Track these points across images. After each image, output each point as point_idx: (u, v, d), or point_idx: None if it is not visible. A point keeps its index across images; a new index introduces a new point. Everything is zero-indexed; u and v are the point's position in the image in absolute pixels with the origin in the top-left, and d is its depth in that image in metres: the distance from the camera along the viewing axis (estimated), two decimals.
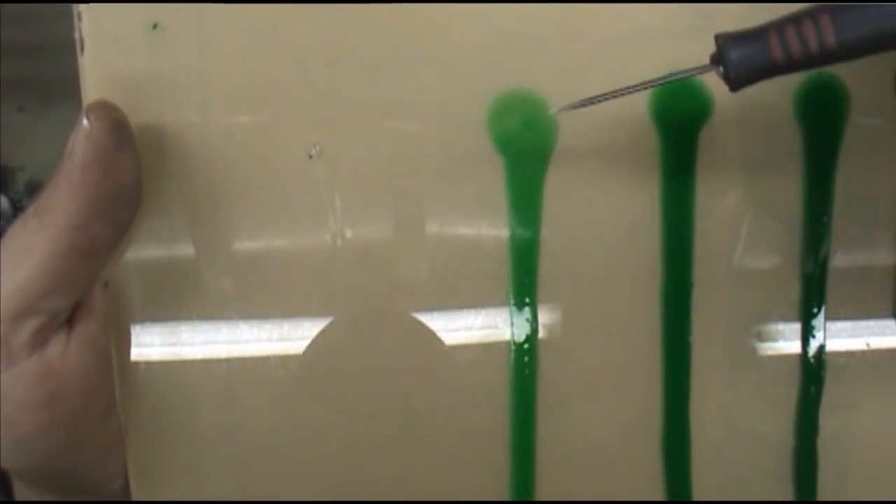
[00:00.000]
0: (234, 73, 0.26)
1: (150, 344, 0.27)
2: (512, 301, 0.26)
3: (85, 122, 0.27)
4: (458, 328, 0.27)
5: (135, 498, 0.28)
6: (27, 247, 0.23)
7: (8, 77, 0.67)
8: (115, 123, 0.25)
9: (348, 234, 0.26)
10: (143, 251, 0.27)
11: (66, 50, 0.70)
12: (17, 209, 0.63)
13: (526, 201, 0.25)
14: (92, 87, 0.31)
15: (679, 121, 0.25)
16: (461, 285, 0.27)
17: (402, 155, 0.26)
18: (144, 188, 0.26)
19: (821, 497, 0.29)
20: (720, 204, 0.26)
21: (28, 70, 0.68)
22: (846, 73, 0.26)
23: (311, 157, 0.26)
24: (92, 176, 0.25)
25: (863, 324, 0.28)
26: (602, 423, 0.28)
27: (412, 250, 0.26)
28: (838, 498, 0.29)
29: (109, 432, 0.27)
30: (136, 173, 0.25)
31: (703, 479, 0.29)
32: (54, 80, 0.67)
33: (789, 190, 0.26)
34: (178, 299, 0.27)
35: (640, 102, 0.25)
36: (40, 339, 0.24)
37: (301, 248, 0.27)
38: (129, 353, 0.27)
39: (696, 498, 0.29)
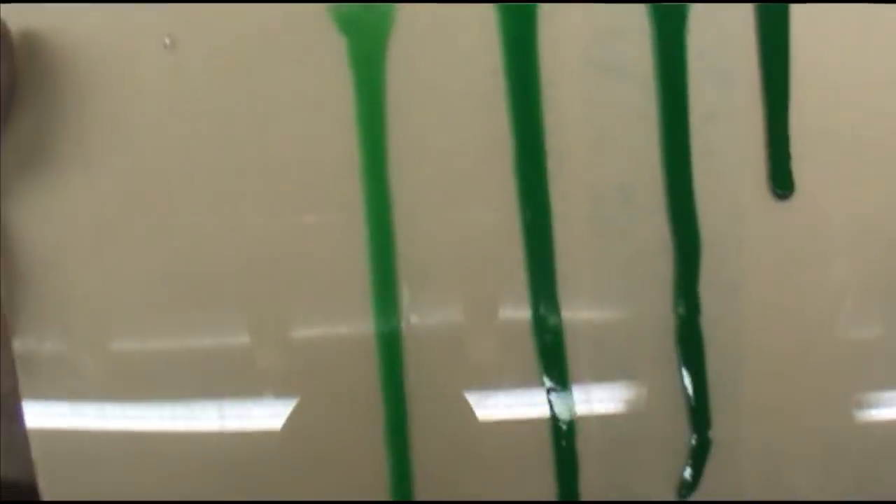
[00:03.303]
0: None
1: None
2: (363, 178, 0.27)
3: None
4: (311, 206, 0.27)
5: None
6: None
7: None
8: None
9: (199, 115, 0.27)
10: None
11: None
12: None
13: (369, 79, 0.26)
14: None
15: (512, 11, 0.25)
16: (310, 169, 0.27)
17: (249, 42, 0.27)
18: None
19: (712, 376, 0.27)
20: (567, 73, 0.26)
21: None
22: None
23: (165, 47, 0.27)
24: None
25: (757, 151, 0.27)
26: (464, 303, 0.27)
27: (264, 127, 0.27)
28: (731, 380, 0.28)
29: None
30: (12, 78, 0.26)
31: (581, 365, 0.27)
32: None
33: (639, 51, 0.26)
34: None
35: None
36: None
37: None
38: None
39: (575, 379, 0.27)
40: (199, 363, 0.29)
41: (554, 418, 0.27)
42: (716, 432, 0.28)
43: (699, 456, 0.27)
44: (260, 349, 0.28)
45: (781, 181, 0.26)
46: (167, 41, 0.27)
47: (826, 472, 0.28)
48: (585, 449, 0.28)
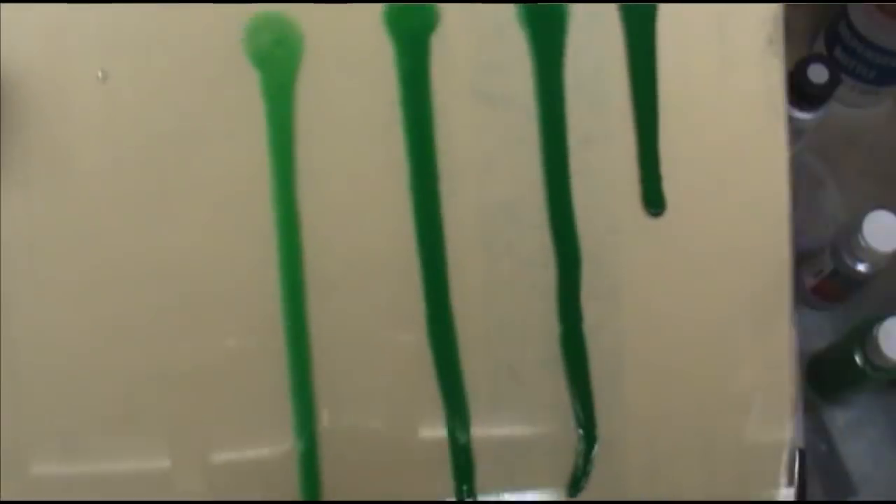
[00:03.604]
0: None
1: None
2: (275, 198, 0.28)
3: None
4: (224, 223, 0.29)
5: None
6: None
7: None
8: None
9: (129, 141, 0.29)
10: None
11: None
12: None
13: (280, 109, 0.28)
14: None
15: (409, 31, 0.28)
16: (224, 188, 0.29)
17: (173, 75, 0.29)
18: None
19: (595, 380, 0.29)
20: (456, 102, 0.28)
21: None
22: None
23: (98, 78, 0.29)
24: None
25: (631, 173, 0.29)
26: (368, 311, 0.29)
27: (186, 152, 0.29)
28: (614, 383, 0.29)
29: None
30: None
31: (474, 368, 0.29)
32: None
33: (521, 81, 0.28)
34: None
35: (376, 15, 0.28)
36: None
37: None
38: None
39: (469, 387, 0.29)
40: (119, 487, 0.30)
41: (450, 419, 0.30)
42: (601, 432, 0.30)
43: (586, 455, 0.29)
44: (179, 471, 0.30)
45: (653, 200, 0.29)
46: (100, 74, 0.29)
47: (705, 470, 0.30)
48: (479, 450, 0.30)
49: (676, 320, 0.29)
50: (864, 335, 0.54)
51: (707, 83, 0.29)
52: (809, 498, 0.59)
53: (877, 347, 0.53)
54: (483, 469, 0.30)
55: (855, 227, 0.55)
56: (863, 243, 0.55)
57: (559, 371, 0.29)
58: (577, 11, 0.28)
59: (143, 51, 0.29)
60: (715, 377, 0.29)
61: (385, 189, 0.29)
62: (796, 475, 0.59)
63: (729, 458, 0.30)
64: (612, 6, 0.28)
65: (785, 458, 0.30)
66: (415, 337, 0.29)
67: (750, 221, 0.29)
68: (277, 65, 0.28)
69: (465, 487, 0.29)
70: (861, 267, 0.56)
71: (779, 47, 0.32)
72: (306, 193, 0.29)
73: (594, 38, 0.28)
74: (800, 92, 0.59)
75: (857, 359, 0.55)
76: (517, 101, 0.28)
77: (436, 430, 0.29)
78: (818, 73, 0.58)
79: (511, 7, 0.28)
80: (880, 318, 0.53)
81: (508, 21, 0.28)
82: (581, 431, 0.29)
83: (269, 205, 0.29)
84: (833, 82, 0.58)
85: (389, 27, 0.28)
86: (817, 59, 0.59)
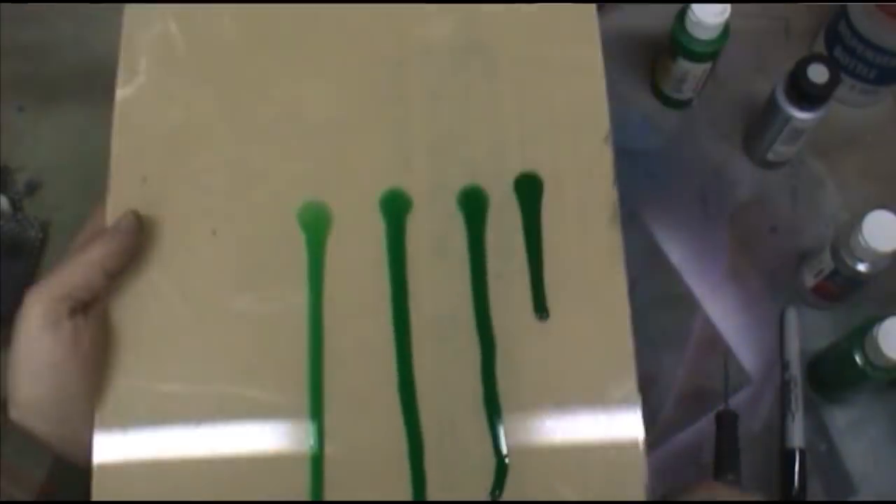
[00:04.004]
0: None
1: None
2: (307, 313, 0.45)
3: (127, 218, 0.44)
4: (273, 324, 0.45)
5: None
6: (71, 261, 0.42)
7: (8, 77, 0.67)
8: (137, 223, 0.44)
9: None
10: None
11: (66, 50, 0.71)
12: (16, 209, 0.63)
13: (315, 258, 0.46)
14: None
15: (391, 215, 0.46)
16: (279, 310, 0.45)
17: (257, 232, 0.46)
18: None
19: (510, 435, 0.43)
20: (422, 255, 0.45)
21: (28, 70, 0.68)
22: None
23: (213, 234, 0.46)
24: (119, 243, 0.43)
25: (526, 294, 0.44)
26: (363, 378, 0.44)
27: (262, 286, 0.45)
28: (522, 432, 0.43)
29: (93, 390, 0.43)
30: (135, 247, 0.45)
31: (426, 418, 0.44)
32: (54, 80, 0.67)
33: (460, 234, 0.45)
34: None
35: (372, 203, 0.46)
36: (72, 313, 0.41)
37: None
38: None
39: (427, 437, 0.44)
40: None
41: (411, 445, 0.44)
42: (511, 458, 0.43)
43: (500, 477, 0.43)
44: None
45: (540, 309, 0.44)
46: (214, 230, 0.45)
47: (583, 486, 0.43)
48: (429, 466, 0.44)
49: (557, 385, 0.44)
50: (864, 335, 0.54)
51: (581, 226, 0.46)
52: (809, 498, 0.60)
53: (877, 347, 0.53)
54: (432, 480, 0.44)
55: (855, 227, 0.55)
56: (863, 243, 0.55)
57: (485, 424, 0.44)
58: (493, 196, 0.46)
59: (245, 216, 0.46)
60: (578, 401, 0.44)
61: (375, 310, 0.45)
62: (796, 475, 0.59)
63: (601, 475, 0.43)
64: (514, 202, 0.46)
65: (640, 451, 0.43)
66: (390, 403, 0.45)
67: (613, 323, 0.45)
68: (314, 231, 0.46)
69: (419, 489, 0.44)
70: (861, 267, 0.57)
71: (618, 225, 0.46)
72: (329, 313, 0.45)
73: (502, 211, 0.46)
74: (800, 92, 0.59)
75: (857, 359, 0.55)
76: (458, 253, 0.45)
77: (400, 460, 0.44)
78: (818, 73, 0.58)
79: (453, 198, 0.46)
80: (880, 318, 0.53)
81: (453, 209, 0.46)
82: (496, 461, 0.43)
83: (304, 316, 0.45)
84: (833, 82, 0.58)
85: (381, 208, 0.46)
86: (817, 59, 0.59)
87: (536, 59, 0.48)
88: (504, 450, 0.43)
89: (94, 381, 0.42)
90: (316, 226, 0.46)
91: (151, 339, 0.44)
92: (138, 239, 0.44)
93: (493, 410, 0.44)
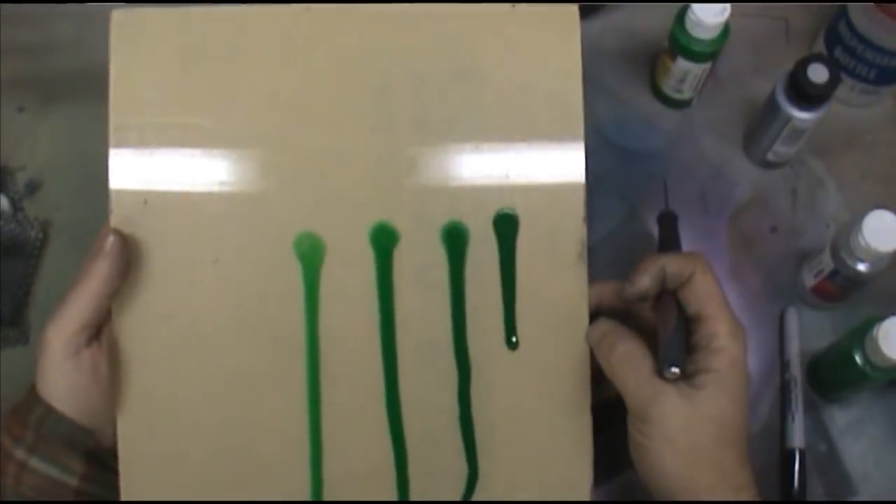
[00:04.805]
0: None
1: None
2: (304, 336, 0.49)
3: (110, 241, 0.46)
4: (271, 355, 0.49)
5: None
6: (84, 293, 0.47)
7: (8, 77, 0.67)
8: (122, 241, 0.47)
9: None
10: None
11: (66, 50, 0.71)
12: (16, 209, 0.63)
13: (311, 285, 0.49)
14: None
15: (380, 247, 0.49)
16: (275, 331, 0.49)
17: (257, 260, 0.49)
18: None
19: (481, 448, 0.49)
20: (407, 285, 0.49)
21: (28, 70, 0.68)
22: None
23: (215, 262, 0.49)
24: (112, 266, 0.47)
25: (500, 325, 0.49)
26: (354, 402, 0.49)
27: (266, 308, 0.49)
28: (491, 446, 0.49)
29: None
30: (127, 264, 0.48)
31: (410, 432, 0.49)
32: (54, 80, 0.67)
33: (443, 276, 0.49)
34: None
35: (362, 236, 0.49)
36: (88, 341, 0.47)
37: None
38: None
39: (410, 448, 0.49)
40: None
41: (396, 455, 0.50)
42: (481, 468, 0.50)
43: (470, 484, 0.50)
44: None
45: (510, 339, 0.49)
46: (216, 259, 0.48)
47: (539, 490, 0.50)
48: (412, 473, 0.50)
49: (528, 406, 0.50)
50: (864, 335, 0.54)
51: (552, 267, 0.50)
52: (809, 498, 0.60)
53: (877, 347, 0.53)
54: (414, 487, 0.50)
55: (855, 227, 0.55)
56: (863, 243, 0.55)
57: (460, 441, 0.50)
58: (473, 232, 0.49)
59: (244, 246, 0.49)
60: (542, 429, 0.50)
61: (365, 335, 0.49)
62: (796, 475, 0.59)
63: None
64: (492, 237, 0.49)
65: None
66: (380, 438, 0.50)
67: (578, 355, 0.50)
68: (310, 261, 0.49)
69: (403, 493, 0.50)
70: (861, 267, 0.57)
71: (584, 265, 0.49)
72: (324, 336, 0.50)
73: (481, 246, 0.50)
74: (800, 92, 0.59)
75: (857, 359, 0.55)
76: (440, 285, 0.49)
77: (387, 468, 0.50)
78: (818, 73, 0.58)
79: (437, 232, 0.49)
80: (880, 318, 0.53)
81: (437, 243, 0.49)
82: (468, 470, 0.50)
83: (301, 342, 0.50)
84: (833, 82, 0.58)
85: (371, 240, 0.49)
86: (817, 59, 0.59)
87: (521, 90, 0.49)
88: (476, 460, 0.49)
89: (111, 393, 0.48)
90: (311, 256, 0.49)
91: (156, 362, 0.48)
92: (127, 255, 0.47)
93: (467, 427, 0.49)
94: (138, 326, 0.48)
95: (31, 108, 0.66)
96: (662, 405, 0.44)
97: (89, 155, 0.65)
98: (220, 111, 0.48)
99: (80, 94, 0.66)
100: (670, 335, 0.46)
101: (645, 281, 0.47)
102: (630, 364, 0.45)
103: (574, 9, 0.49)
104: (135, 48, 0.48)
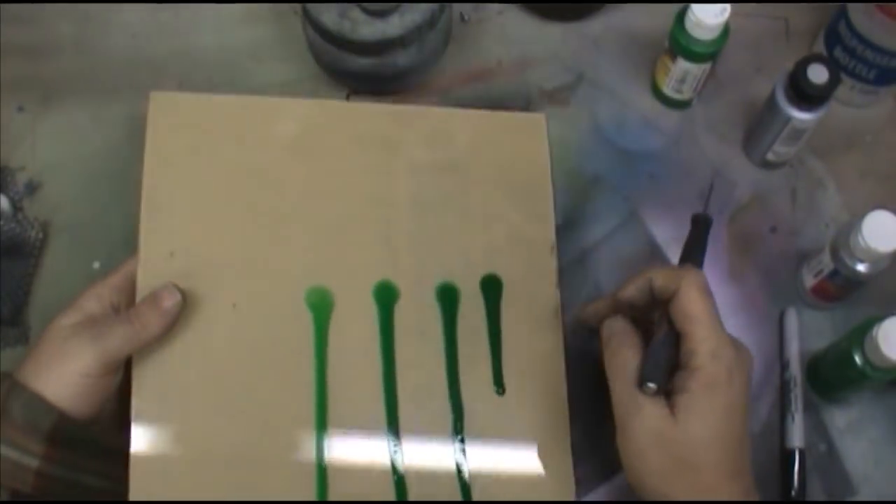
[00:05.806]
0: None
1: None
2: (313, 378, 0.55)
3: (173, 303, 0.53)
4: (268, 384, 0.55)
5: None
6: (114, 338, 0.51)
7: (8, 77, 0.67)
8: (175, 306, 0.53)
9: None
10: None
11: (66, 50, 0.71)
12: (16, 209, 0.63)
13: (321, 334, 0.55)
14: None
15: (383, 302, 0.57)
16: (289, 375, 0.55)
17: (275, 306, 0.56)
18: None
19: (472, 477, 0.54)
20: (406, 335, 0.57)
21: (28, 70, 0.68)
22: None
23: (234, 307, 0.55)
24: (162, 321, 0.52)
25: (489, 373, 0.56)
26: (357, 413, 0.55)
27: (282, 348, 0.55)
28: (482, 478, 0.54)
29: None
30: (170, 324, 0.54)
31: (409, 467, 0.54)
32: (54, 80, 0.67)
33: (435, 323, 0.57)
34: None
35: (367, 292, 0.57)
36: (117, 381, 0.52)
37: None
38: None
39: (409, 482, 0.54)
40: None
41: (398, 488, 0.54)
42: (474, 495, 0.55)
43: (463, 488, 0.55)
44: None
45: (498, 385, 0.57)
46: (233, 304, 0.55)
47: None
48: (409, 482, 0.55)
49: (508, 442, 0.56)
50: (863, 335, 0.54)
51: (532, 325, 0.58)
52: (809, 498, 0.60)
53: (876, 347, 0.53)
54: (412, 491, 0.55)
55: (855, 227, 0.55)
56: (862, 243, 0.55)
57: (455, 479, 0.55)
58: (464, 292, 0.58)
59: (261, 294, 0.56)
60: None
61: (369, 380, 0.56)
62: (796, 475, 0.59)
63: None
64: (480, 297, 0.58)
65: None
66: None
67: (553, 404, 0.57)
68: (320, 312, 0.56)
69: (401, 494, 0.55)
70: (861, 267, 0.57)
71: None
72: (332, 380, 0.55)
73: (470, 304, 0.58)
74: (800, 92, 0.59)
75: (857, 359, 0.55)
76: (435, 336, 0.57)
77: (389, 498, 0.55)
78: (818, 73, 0.58)
79: (432, 291, 0.57)
80: (880, 318, 0.53)
81: (432, 300, 0.57)
82: (462, 496, 0.55)
83: (311, 382, 0.55)
84: (833, 82, 0.58)
85: (374, 296, 0.57)
86: (817, 59, 0.59)
87: (500, 181, 0.60)
88: (469, 491, 0.54)
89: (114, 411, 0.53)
90: (321, 307, 0.56)
91: (172, 395, 0.53)
92: (178, 312, 0.53)
93: (459, 462, 0.55)
94: (156, 365, 0.53)
95: (31, 108, 0.66)
96: (637, 420, 0.45)
97: (89, 155, 0.65)
98: (243, 182, 0.57)
99: (80, 93, 0.66)
100: (653, 349, 0.46)
101: (629, 291, 0.48)
102: (621, 372, 0.46)
103: (540, 117, 0.62)
104: (168, 124, 0.57)
